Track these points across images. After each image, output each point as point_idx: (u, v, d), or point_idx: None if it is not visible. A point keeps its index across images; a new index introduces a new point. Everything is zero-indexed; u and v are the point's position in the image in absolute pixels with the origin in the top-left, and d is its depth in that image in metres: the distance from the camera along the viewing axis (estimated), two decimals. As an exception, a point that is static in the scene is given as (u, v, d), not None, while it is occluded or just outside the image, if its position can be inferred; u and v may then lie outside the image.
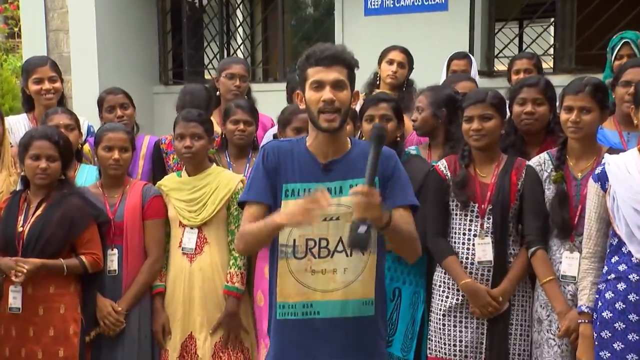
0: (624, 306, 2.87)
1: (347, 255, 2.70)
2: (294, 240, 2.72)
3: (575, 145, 3.27)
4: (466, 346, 3.37)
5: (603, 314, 2.92)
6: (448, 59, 5.04)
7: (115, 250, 3.70)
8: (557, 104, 3.44)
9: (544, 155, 3.37)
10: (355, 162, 2.72)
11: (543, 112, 3.65)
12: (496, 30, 6.99)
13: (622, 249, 2.91)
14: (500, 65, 6.90)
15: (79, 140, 4.10)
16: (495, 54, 6.89)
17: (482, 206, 3.39)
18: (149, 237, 3.76)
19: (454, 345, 3.38)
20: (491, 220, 3.37)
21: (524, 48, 8.65)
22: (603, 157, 3.07)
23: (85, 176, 3.98)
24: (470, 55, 5.13)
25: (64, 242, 3.54)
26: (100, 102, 4.40)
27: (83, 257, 3.56)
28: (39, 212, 3.54)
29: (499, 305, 3.32)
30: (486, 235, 3.37)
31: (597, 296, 2.97)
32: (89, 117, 4.65)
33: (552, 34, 9.53)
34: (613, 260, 2.94)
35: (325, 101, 2.61)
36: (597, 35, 6.29)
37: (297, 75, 2.77)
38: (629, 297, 2.86)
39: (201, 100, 4.33)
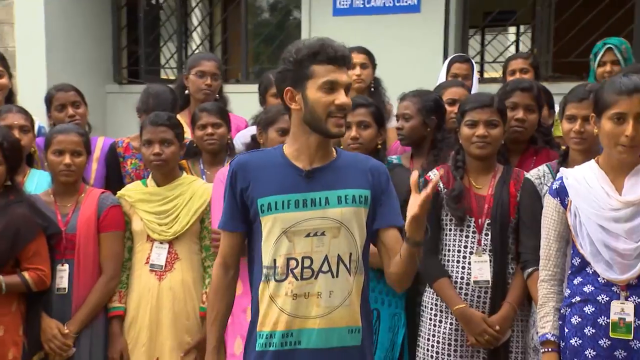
0: (593, 331, 2.63)
1: (333, 276, 2.42)
2: (274, 261, 2.43)
3: (578, 157, 3.03)
4: (461, 377, 3.09)
5: (571, 341, 2.67)
6: (448, 62, 4.78)
7: (66, 266, 3.36)
8: (559, 111, 3.18)
9: (543, 168, 3.14)
10: (343, 170, 2.48)
11: (533, 120, 3.44)
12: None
13: (587, 269, 2.68)
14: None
15: (32, 142, 3.78)
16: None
17: (480, 221, 3.12)
18: (104, 251, 3.42)
19: (447, 377, 3.10)
20: (489, 236, 3.09)
21: (486, 57, 8.58)
22: None
23: (36, 182, 3.63)
24: (472, 60, 4.86)
25: (7, 256, 3.18)
26: (49, 100, 4.07)
27: (26, 274, 3.21)
28: (-21, 221, 3.17)
29: (497, 333, 3.04)
30: (483, 253, 3.09)
31: (560, 322, 2.74)
32: (38, 117, 4.26)
33: (511, 39, 9.53)
34: (576, 281, 2.71)
35: (340, 105, 2.37)
36: (574, 43, 6.17)
37: (288, 71, 2.43)
38: (598, 320, 2.62)
39: (166, 103, 3.99)
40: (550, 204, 2.80)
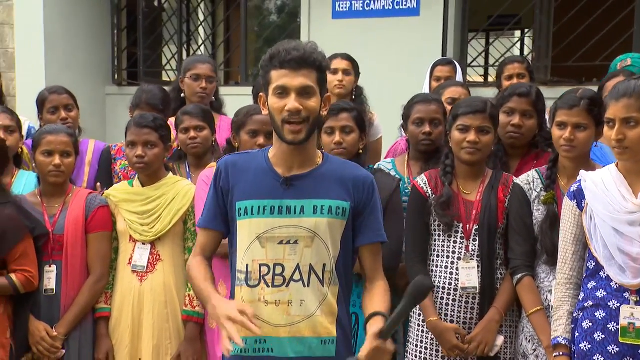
0: (603, 336, 2.61)
1: (304, 285, 2.39)
2: (247, 266, 2.41)
3: (568, 164, 3.00)
4: (449, 383, 3.06)
5: (581, 345, 2.66)
6: (431, 66, 4.75)
7: (54, 267, 3.32)
8: (549, 117, 3.15)
9: (532, 173, 3.10)
10: (323, 179, 2.43)
11: (531, 126, 3.38)
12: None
13: (600, 273, 2.66)
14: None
15: (20, 143, 3.75)
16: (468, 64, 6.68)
17: (468, 227, 3.08)
18: (92, 252, 3.38)
19: (435, 382, 3.08)
20: (477, 242, 3.06)
21: (490, 60, 8.55)
22: None
23: (24, 183, 3.60)
24: (455, 62, 4.83)
25: (-7, 258, 3.14)
26: (42, 102, 4.05)
27: (13, 276, 3.17)
28: (-34, 223, 3.14)
29: (468, 348, 3.01)
30: (471, 259, 3.06)
31: (572, 326, 2.72)
32: (33, 119, 4.25)
33: (518, 46, 9.48)
34: (590, 285, 2.68)
35: (290, 111, 2.31)
36: (573, 48, 6.11)
37: (261, 77, 2.44)
38: (608, 326, 2.60)
39: (157, 99, 3.99)
40: (567, 207, 2.78)
